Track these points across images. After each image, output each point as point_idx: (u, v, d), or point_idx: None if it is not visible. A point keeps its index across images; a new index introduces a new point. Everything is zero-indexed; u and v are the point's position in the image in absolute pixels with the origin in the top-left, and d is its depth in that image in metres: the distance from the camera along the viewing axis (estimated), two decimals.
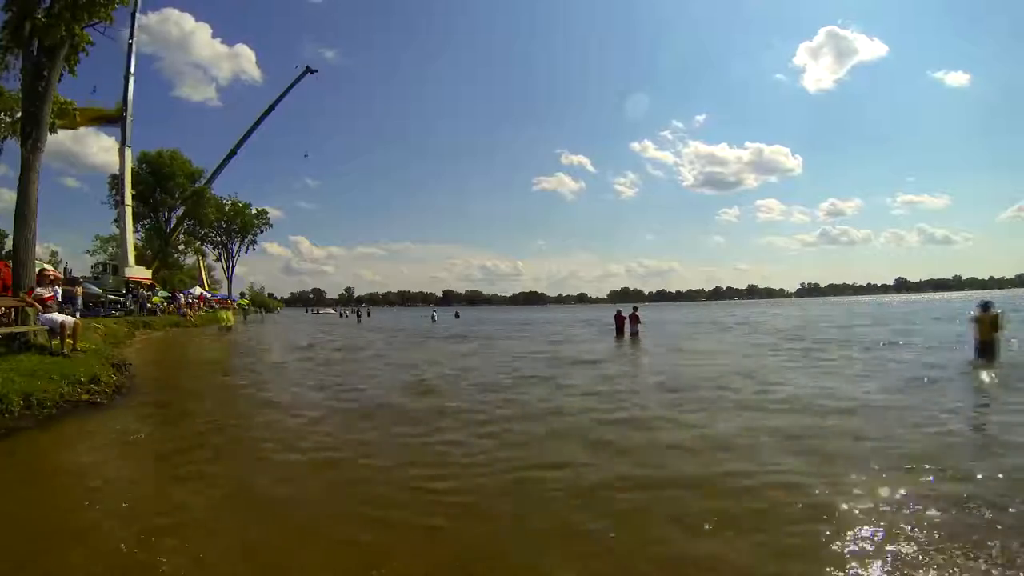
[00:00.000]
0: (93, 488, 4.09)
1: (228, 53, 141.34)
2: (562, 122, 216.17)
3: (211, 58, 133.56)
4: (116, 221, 37.67)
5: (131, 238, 35.07)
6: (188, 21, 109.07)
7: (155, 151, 46.30)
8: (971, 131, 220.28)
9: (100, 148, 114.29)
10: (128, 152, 35.46)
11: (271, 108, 45.42)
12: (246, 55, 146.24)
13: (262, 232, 62.87)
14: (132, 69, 34.04)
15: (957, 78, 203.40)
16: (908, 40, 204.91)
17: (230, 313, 29.01)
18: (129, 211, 35.42)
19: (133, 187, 38.82)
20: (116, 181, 45.51)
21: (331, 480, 4.23)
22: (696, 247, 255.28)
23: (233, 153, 45.00)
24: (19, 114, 12.34)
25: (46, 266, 17.38)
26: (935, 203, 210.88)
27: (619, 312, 19.18)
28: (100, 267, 33.36)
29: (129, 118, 34.61)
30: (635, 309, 18.55)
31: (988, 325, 9.96)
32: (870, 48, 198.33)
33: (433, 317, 39.38)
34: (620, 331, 18.33)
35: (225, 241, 59.52)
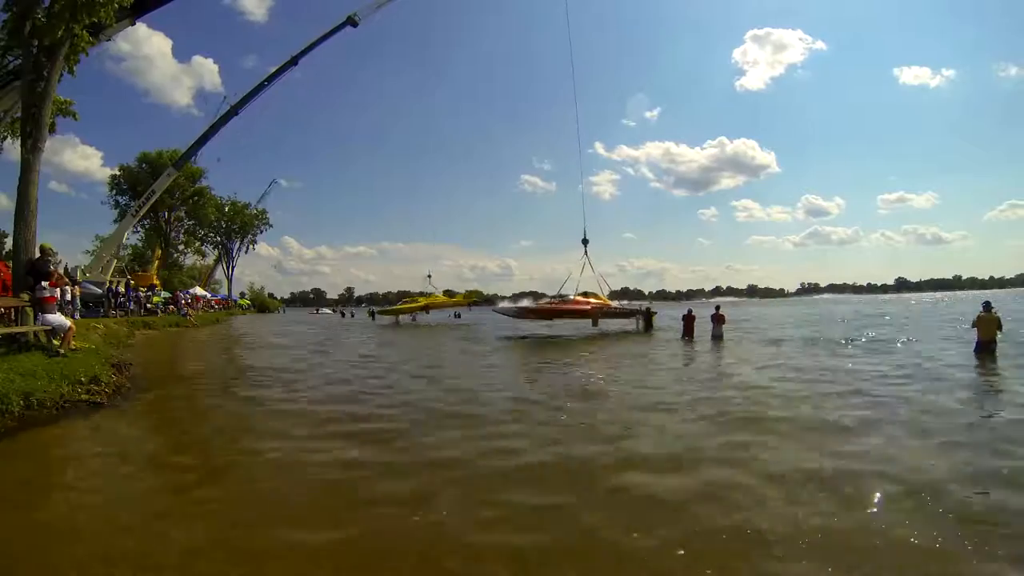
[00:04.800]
0: (92, 488, 4.10)
1: (188, 68, 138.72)
2: (532, 126, 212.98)
3: (176, 70, 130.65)
4: (116, 221, 37.45)
5: (117, 242, 34.35)
6: (142, 29, 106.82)
7: (155, 151, 46.38)
8: (943, 128, 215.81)
9: (80, 155, 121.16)
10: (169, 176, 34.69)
11: (294, 61, 33.84)
12: (208, 66, 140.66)
13: (262, 232, 63.01)
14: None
15: (917, 74, 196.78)
16: (854, 37, 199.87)
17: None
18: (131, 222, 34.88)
19: (132, 187, 38.72)
20: (115, 181, 45.42)
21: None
22: (682, 247, 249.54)
23: (234, 112, 37.96)
24: (19, 114, 12.32)
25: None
26: (921, 202, 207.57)
27: (689, 311, 17.36)
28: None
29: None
30: (717, 308, 16.76)
31: (988, 325, 10.41)
32: (810, 45, 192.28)
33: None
34: (689, 332, 16.62)
35: (224, 241, 59.66)
